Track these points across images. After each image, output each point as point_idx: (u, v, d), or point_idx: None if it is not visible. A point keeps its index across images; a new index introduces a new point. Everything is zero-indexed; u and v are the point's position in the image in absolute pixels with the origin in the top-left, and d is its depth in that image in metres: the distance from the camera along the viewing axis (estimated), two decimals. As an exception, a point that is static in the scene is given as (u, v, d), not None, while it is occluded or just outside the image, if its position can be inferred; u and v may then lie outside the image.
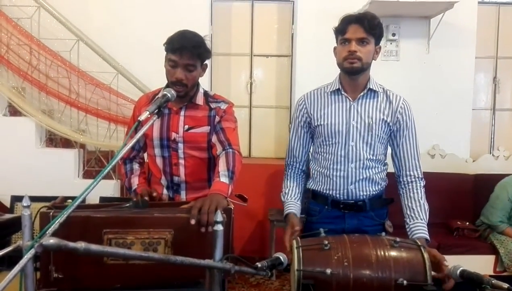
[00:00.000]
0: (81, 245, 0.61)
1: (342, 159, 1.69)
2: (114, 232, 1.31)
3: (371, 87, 1.68)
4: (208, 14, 3.81)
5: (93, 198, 2.87)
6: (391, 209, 1.78)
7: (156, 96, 1.76)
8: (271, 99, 4.13)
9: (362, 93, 1.68)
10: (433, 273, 1.29)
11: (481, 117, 4.11)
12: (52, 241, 0.58)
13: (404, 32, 3.73)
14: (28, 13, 3.46)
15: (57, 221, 1.09)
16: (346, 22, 1.63)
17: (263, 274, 1.22)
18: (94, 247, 0.62)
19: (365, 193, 1.70)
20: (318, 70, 3.10)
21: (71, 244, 0.60)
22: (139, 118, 1.36)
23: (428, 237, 1.56)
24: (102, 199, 2.91)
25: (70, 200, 1.28)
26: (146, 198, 1.63)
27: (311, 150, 1.85)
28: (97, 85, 3.42)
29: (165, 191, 1.84)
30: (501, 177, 3.26)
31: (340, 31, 1.64)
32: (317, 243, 1.33)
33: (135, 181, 1.86)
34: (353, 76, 1.67)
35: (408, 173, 1.70)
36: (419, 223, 1.61)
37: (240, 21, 4.04)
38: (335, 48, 1.71)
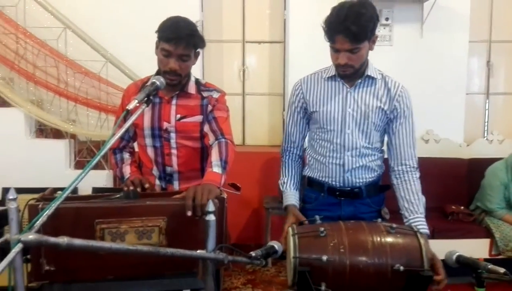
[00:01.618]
0: (63, 240, 0.57)
1: (338, 146, 1.66)
2: (106, 222, 1.29)
3: (369, 74, 1.64)
4: (199, 0, 3.73)
5: (86, 189, 2.84)
6: (387, 195, 1.76)
7: (145, 85, 1.72)
8: (264, 87, 4.09)
9: (359, 80, 1.64)
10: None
11: (475, 101, 4.10)
12: (32, 237, 0.55)
13: (397, 16, 3.69)
14: (14, 0, 3.36)
15: (45, 213, 1.06)
16: (332, 31, 1.51)
17: (258, 263, 1.20)
18: (77, 241, 0.59)
19: (361, 180, 1.68)
20: (312, 56, 3.05)
21: (53, 239, 0.57)
22: (127, 107, 1.32)
23: (428, 232, 1.52)
24: (95, 190, 2.87)
25: (59, 192, 1.24)
26: (138, 189, 1.60)
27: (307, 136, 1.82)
28: (86, 74, 3.35)
29: (157, 182, 1.81)
30: (495, 160, 3.26)
31: (328, 38, 1.55)
32: (312, 230, 1.32)
33: (127, 170, 1.82)
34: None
35: (403, 161, 1.65)
36: (418, 218, 1.56)
37: (231, 6, 3.97)
38: None
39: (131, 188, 1.61)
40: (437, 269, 1.35)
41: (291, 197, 1.70)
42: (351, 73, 1.59)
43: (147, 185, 1.64)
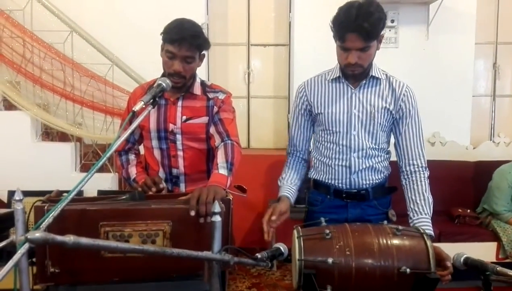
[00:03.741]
0: (69, 238, 0.57)
1: (344, 148, 1.65)
2: (111, 225, 1.29)
3: (373, 74, 1.63)
4: (204, 3, 3.75)
5: (91, 191, 2.84)
6: (394, 198, 1.75)
7: (151, 87, 1.73)
8: (269, 89, 4.09)
9: (364, 81, 1.64)
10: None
11: (481, 104, 4.08)
12: (38, 234, 0.55)
13: (403, 18, 3.67)
14: (20, 4, 3.40)
15: (51, 215, 1.07)
16: (344, 30, 1.49)
17: (264, 265, 1.19)
18: (84, 240, 0.59)
19: (368, 182, 1.67)
20: (317, 58, 3.06)
21: (59, 238, 0.57)
22: (133, 109, 1.32)
23: (432, 233, 1.49)
24: (100, 192, 2.88)
25: (65, 194, 1.25)
26: (153, 188, 1.60)
27: (312, 138, 1.81)
28: (92, 77, 3.38)
29: (163, 184, 1.81)
30: (501, 163, 3.23)
31: (338, 37, 1.53)
32: (318, 232, 1.31)
33: (133, 170, 1.83)
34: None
35: (411, 162, 1.64)
36: (423, 218, 1.54)
37: (236, 9, 3.98)
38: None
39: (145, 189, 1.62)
40: (444, 264, 1.31)
41: (286, 189, 1.70)
42: (359, 73, 1.59)
43: (162, 186, 1.64)
